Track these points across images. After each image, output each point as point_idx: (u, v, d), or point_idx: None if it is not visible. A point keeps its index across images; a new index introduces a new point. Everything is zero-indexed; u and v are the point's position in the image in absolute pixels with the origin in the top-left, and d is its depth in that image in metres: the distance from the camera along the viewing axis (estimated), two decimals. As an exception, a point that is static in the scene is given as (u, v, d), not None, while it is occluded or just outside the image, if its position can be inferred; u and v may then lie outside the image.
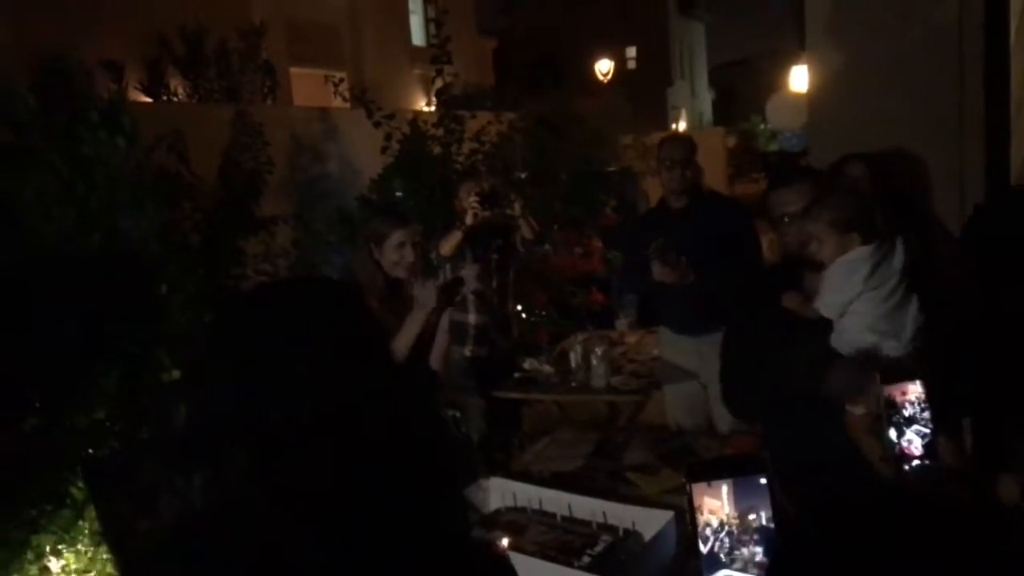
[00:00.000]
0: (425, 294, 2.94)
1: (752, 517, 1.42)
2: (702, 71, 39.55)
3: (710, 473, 1.46)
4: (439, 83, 6.39)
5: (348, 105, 6.64)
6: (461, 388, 4.18)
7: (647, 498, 2.72)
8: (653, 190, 8.41)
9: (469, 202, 4.07)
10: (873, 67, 4.36)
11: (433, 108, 7.01)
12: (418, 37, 14.00)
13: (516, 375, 4.42)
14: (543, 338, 6.18)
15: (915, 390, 1.79)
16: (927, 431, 1.72)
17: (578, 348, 4.31)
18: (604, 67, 27.27)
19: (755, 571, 1.40)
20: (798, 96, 6.77)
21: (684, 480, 1.47)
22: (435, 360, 3.08)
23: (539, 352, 4.84)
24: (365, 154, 6.35)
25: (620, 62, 31.69)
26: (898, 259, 2.21)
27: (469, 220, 4.04)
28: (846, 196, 2.33)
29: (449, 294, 3.09)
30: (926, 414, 1.74)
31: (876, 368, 1.97)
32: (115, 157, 3.17)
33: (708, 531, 1.43)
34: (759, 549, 1.40)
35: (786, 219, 2.47)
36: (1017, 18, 4.37)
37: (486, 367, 4.31)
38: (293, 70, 10.74)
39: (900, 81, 4.29)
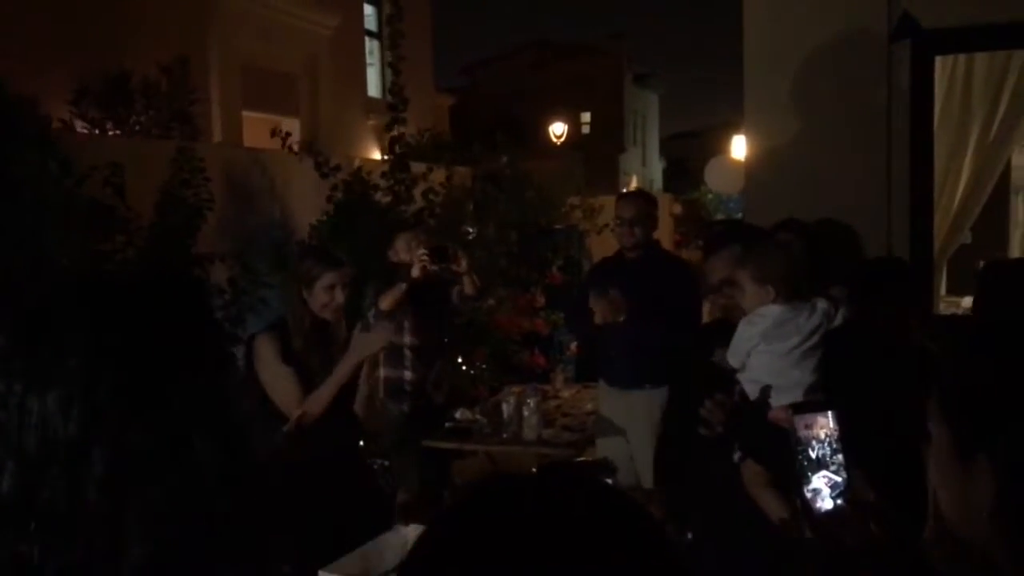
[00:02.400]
0: (363, 341, 2.91)
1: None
2: (654, 140, 40.53)
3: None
4: (392, 132, 6.42)
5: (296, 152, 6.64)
6: (397, 443, 4.11)
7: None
8: (597, 249, 8.53)
9: (417, 255, 4.01)
10: (807, 140, 4.52)
11: (386, 157, 7.06)
12: (374, 88, 14.11)
13: (448, 425, 4.38)
14: (481, 393, 6.15)
15: (824, 424, 1.77)
16: (839, 479, 1.70)
17: (511, 400, 4.30)
18: (558, 130, 27.75)
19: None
20: (737, 162, 6.97)
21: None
22: (359, 406, 3.05)
23: (474, 404, 4.81)
24: (308, 199, 6.34)
25: (575, 126, 32.33)
26: (810, 320, 2.28)
27: (416, 273, 3.97)
28: (773, 251, 2.40)
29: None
30: (839, 456, 1.73)
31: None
32: (46, 181, 3.11)
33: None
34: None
35: (718, 285, 2.55)
36: (941, 101, 4.59)
37: (421, 423, 4.25)
38: (246, 114, 10.70)
39: (832, 154, 4.45)
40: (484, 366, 6.40)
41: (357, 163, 6.65)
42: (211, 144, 6.64)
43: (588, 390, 4.80)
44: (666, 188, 35.71)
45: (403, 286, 3.98)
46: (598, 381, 4.32)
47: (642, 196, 4.25)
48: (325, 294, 2.94)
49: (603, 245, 7.52)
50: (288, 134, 6.55)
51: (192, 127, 7.12)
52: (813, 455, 1.76)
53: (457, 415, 4.43)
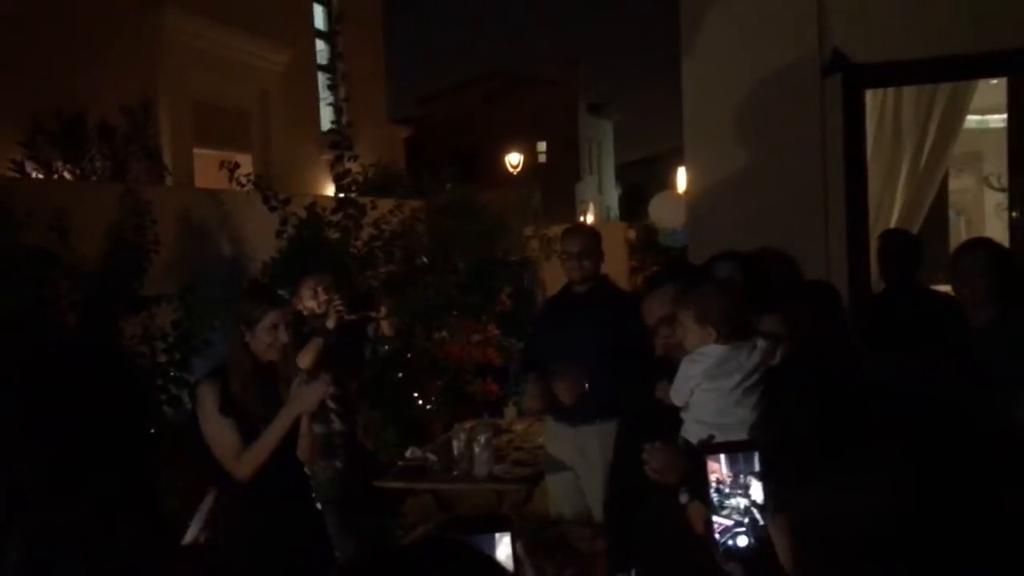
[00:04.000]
0: (301, 394, 2.89)
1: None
2: (610, 167, 40.99)
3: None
4: (339, 168, 6.46)
5: (248, 188, 6.62)
6: (333, 502, 4.07)
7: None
8: (551, 278, 8.60)
9: (333, 306, 3.92)
10: (745, 173, 4.64)
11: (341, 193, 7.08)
12: (328, 123, 14.11)
13: (399, 463, 4.37)
14: (436, 427, 6.15)
15: (716, 468, 1.82)
16: (728, 523, 1.75)
17: (462, 436, 4.31)
18: (515, 159, 27.98)
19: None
20: (680, 196, 7.10)
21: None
22: (304, 452, 3.02)
23: (425, 441, 4.81)
24: (260, 238, 6.32)
25: (531, 156, 32.60)
26: (751, 359, 2.34)
27: (331, 324, 3.89)
28: (714, 292, 2.46)
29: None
30: (732, 500, 1.77)
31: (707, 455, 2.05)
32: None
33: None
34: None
35: (655, 324, 2.61)
36: (873, 132, 4.75)
37: (358, 475, 4.21)
38: (198, 151, 10.64)
39: (770, 186, 4.57)
40: (433, 400, 6.39)
41: (309, 199, 6.64)
42: (157, 186, 6.57)
43: (541, 423, 4.82)
44: (622, 215, 36.14)
45: (320, 341, 3.89)
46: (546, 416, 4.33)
47: (587, 230, 4.31)
48: (268, 335, 2.91)
49: (558, 273, 7.59)
50: (236, 165, 6.52)
51: (155, 166, 7.08)
52: (713, 498, 1.81)
53: (407, 454, 4.43)
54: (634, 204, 36.37)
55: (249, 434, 2.85)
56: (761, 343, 2.36)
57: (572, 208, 32.52)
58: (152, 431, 3.53)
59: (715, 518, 1.80)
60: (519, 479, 4.22)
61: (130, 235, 4.83)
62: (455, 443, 4.31)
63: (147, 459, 2.58)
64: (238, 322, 2.93)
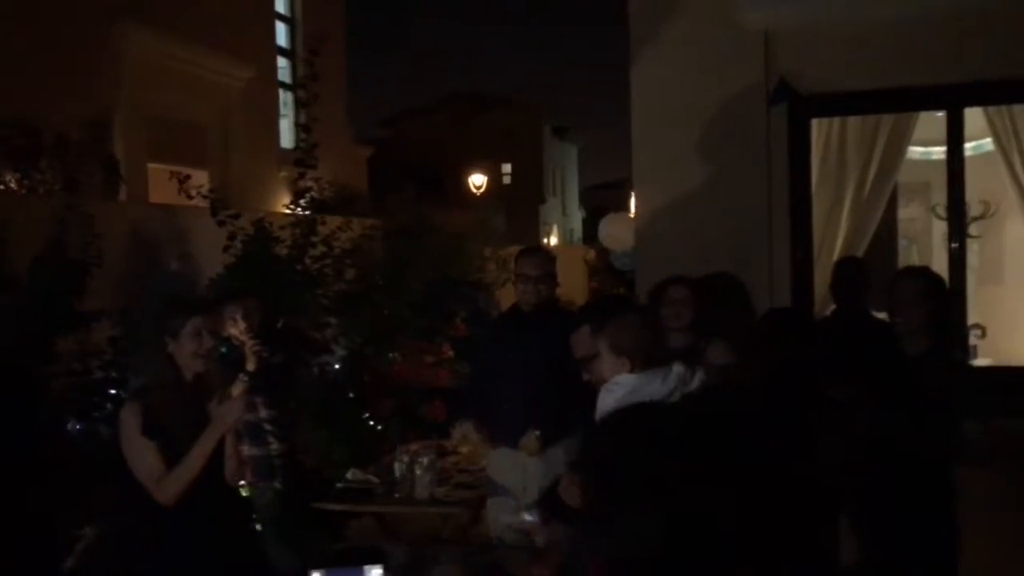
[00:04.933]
0: (220, 413, 2.83)
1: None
2: (574, 191, 41.29)
3: None
4: (289, 186, 6.41)
5: (202, 203, 6.54)
6: (273, 523, 3.99)
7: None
8: (508, 301, 8.59)
9: (251, 348, 3.77)
10: (692, 198, 4.69)
11: (287, 210, 7.01)
12: (287, 140, 14.05)
13: (339, 486, 4.31)
14: (386, 448, 6.06)
15: None
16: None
17: (404, 458, 4.25)
18: (478, 180, 28.06)
19: None
20: (631, 219, 7.14)
21: None
22: (231, 471, 2.95)
23: (368, 463, 4.74)
24: (210, 254, 6.23)
25: (496, 177, 32.72)
26: (664, 385, 2.35)
27: (252, 367, 3.74)
28: (627, 323, 2.48)
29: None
30: None
31: None
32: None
33: None
34: None
35: (580, 360, 2.64)
36: (819, 161, 4.83)
37: (297, 496, 4.13)
38: (153, 166, 10.51)
39: (716, 212, 4.63)
40: (384, 421, 6.32)
41: (260, 215, 6.58)
42: (104, 200, 6.47)
43: (479, 448, 4.77)
44: (585, 238, 36.33)
45: (245, 381, 3.73)
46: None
47: (544, 253, 4.24)
48: (192, 341, 2.83)
49: (513, 295, 7.58)
50: (187, 176, 6.43)
51: (110, 180, 6.96)
52: None
53: (349, 475, 4.36)
54: (597, 227, 36.56)
55: (173, 457, 2.78)
56: (677, 369, 2.37)
57: (536, 230, 32.67)
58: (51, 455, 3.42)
59: None
60: (460, 502, 4.17)
61: (73, 249, 4.74)
62: (397, 465, 4.25)
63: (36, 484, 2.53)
64: (160, 335, 2.86)
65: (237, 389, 3.80)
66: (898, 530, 3.08)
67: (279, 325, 4.32)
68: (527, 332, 3.99)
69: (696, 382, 2.37)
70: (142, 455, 2.78)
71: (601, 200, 39.74)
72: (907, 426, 3.00)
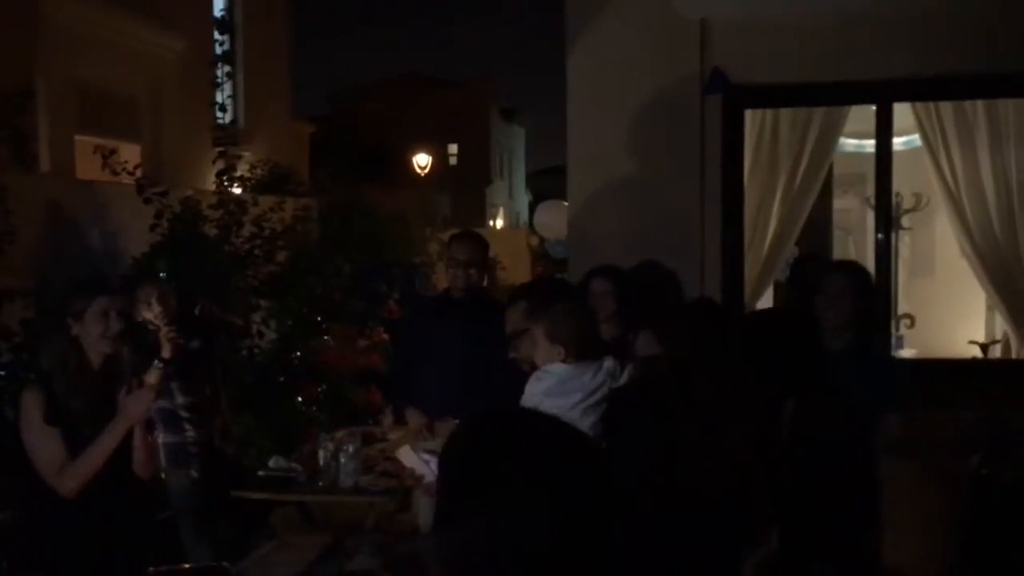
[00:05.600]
0: (129, 404, 2.71)
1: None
2: (520, 174, 41.23)
3: None
4: (219, 165, 6.23)
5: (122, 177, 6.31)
6: (186, 514, 3.88)
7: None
8: (444, 282, 8.51)
9: (165, 333, 3.66)
10: (624, 186, 4.67)
11: (239, 190, 6.84)
12: (227, 116, 13.68)
13: (260, 474, 4.20)
14: (315, 433, 5.96)
15: None
16: None
17: (329, 446, 4.16)
18: (423, 161, 27.80)
19: None
20: (565, 208, 7.13)
21: None
22: (140, 464, 2.83)
23: (290, 451, 4.64)
24: (136, 233, 6.02)
25: (441, 158, 32.48)
26: (595, 379, 2.32)
27: (167, 353, 3.65)
28: (566, 312, 2.44)
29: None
30: None
31: None
32: None
33: None
34: None
35: (512, 335, 2.58)
36: (751, 156, 4.85)
37: (215, 485, 4.03)
38: (81, 139, 10.13)
39: (649, 202, 4.61)
40: (315, 406, 6.21)
41: (188, 192, 6.38)
42: (18, 174, 6.18)
43: (408, 433, 4.71)
44: (531, 222, 36.38)
45: (159, 367, 3.60)
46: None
47: (476, 238, 4.19)
48: (98, 322, 2.70)
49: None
50: (112, 151, 6.20)
51: (25, 153, 6.66)
52: None
53: (271, 463, 4.25)
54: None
55: (78, 445, 2.66)
56: (608, 363, 2.35)
57: (482, 212, 32.55)
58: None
59: None
60: (385, 491, 4.10)
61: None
62: (321, 453, 4.15)
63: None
64: (63, 317, 2.72)
65: (151, 378, 3.68)
66: (819, 522, 3.11)
67: (196, 311, 4.18)
68: (455, 317, 3.94)
69: (625, 377, 2.35)
70: (43, 443, 2.65)
71: (548, 185, 39.77)
72: (829, 419, 3.02)
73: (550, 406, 2.27)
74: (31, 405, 2.68)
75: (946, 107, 4.64)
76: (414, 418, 3.99)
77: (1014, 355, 4.89)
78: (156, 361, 3.58)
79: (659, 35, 4.59)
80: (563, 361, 2.33)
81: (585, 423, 2.27)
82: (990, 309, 6.53)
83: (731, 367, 3.19)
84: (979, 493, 3.80)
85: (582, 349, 2.35)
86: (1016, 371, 4.67)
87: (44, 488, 2.71)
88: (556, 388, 2.29)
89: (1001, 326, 6.09)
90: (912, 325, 6.30)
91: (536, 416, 1.03)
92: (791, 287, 4.34)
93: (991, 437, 3.94)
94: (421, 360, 4.05)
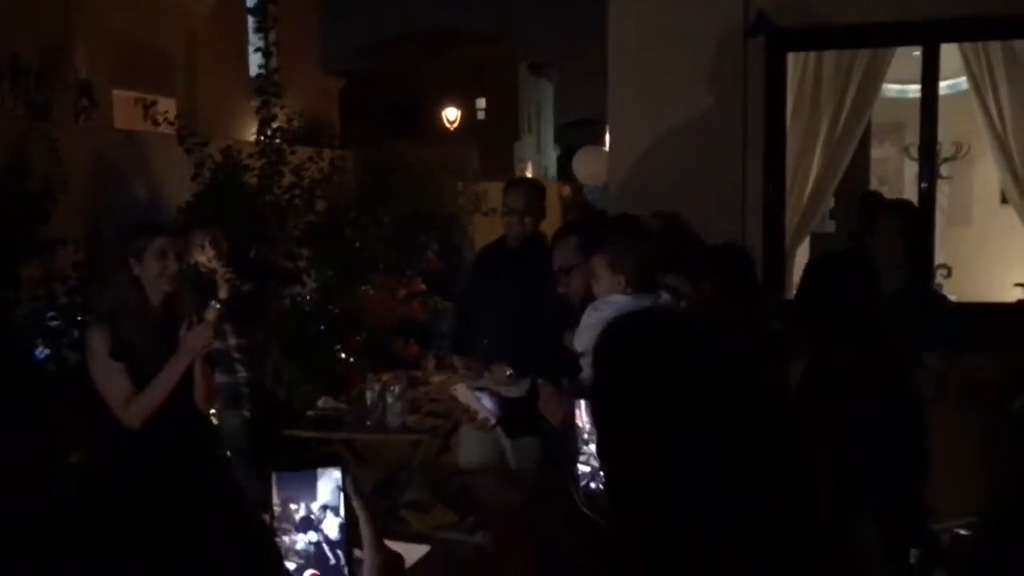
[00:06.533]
0: (188, 339, 2.80)
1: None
2: (549, 128, 40.88)
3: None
4: (261, 115, 6.28)
5: (168, 130, 6.39)
6: (240, 452, 4.00)
7: (417, 534, 2.72)
8: (481, 234, 8.54)
9: (223, 276, 3.71)
10: (666, 132, 4.65)
11: (257, 138, 6.88)
12: (259, 68, 13.71)
13: (309, 413, 4.33)
14: (356, 381, 6.08)
15: (577, 415, 1.86)
16: (586, 469, 1.79)
17: (376, 387, 4.27)
18: (452, 115, 27.66)
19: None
20: (605, 153, 7.10)
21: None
22: (201, 398, 2.93)
23: (338, 393, 4.76)
24: (178, 182, 6.12)
25: (470, 112, 32.28)
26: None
27: (224, 294, 3.69)
28: (628, 242, 2.47)
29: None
30: (588, 447, 1.80)
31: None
32: None
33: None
34: None
35: (558, 271, 2.61)
36: (794, 97, 4.81)
37: (266, 425, 4.13)
38: (116, 92, 10.22)
39: (690, 146, 4.61)
40: (354, 354, 6.32)
41: (228, 143, 6.44)
42: (66, 125, 6.28)
43: (459, 375, 4.80)
44: (560, 175, 36.17)
45: (216, 308, 3.72)
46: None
47: (532, 185, 4.14)
48: (157, 262, 2.80)
49: (487, 230, 7.56)
50: (153, 102, 6.29)
51: (76, 105, 6.76)
52: (576, 442, 1.83)
53: (320, 403, 4.38)
54: (571, 165, 36.37)
55: (142, 380, 2.77)
56: (665, 296, 2.38)
57: (511, 167, 32.39)
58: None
59: (578, 465, 1.82)
60: (432, 429, 4.21)
61: (36, 175, 4.62)
62: (368, 393, 4.27)
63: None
64: (125, 256, 2.82)
65: (210, 315, 3.77)
66: (870, 461, 3.15)
67: (251, 254, 4.27)
68: (510, 266, 3.96)
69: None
70: (109, 377, 2.76)
71: (576, 138, 39.43)
72: (878, 359, 3.06)
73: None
74: (97, 341, 2.78)
75: (995, 47, 4.56)
76: (460, 364, 4.04)
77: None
78: (213, 301, 3.67)
79: (702, -23, 4.55)
80: (623, 292, 2.36)
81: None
82: (1027, 259, 6.48)
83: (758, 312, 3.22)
84: (1022, 433, 3.82)
85: (642, 281, 2.38)
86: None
87: (112, 423, 2.82)
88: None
89: (1039, 276, 6.05)
90: (949, 275, 6.26)
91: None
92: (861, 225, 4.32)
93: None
94: (478, 309, 4.08)
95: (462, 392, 2.50)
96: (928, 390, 3.17)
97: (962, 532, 3.31)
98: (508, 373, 3.75)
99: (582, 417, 1.86)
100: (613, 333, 0.98)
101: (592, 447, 1.79)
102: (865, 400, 3.06)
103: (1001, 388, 4.00)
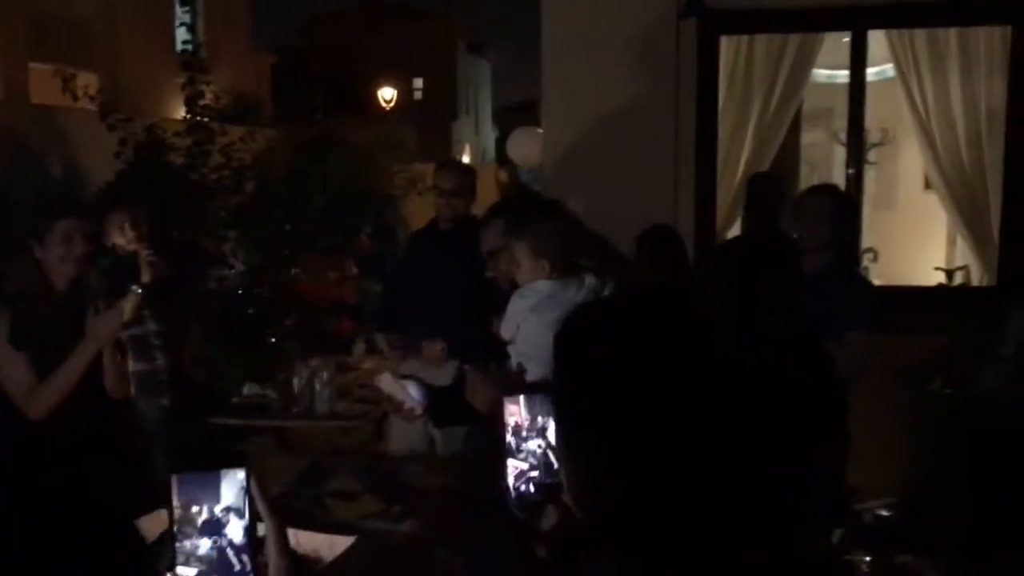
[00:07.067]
0: (96, 325, 2.66)
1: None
2: (487, 109, 40.72)
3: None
4: (186, 92, 6.07)
5: (89, 106, 6.12)
6: (157, 440, 3.87)
7: (343, 523, 2.66)
8: (413, 216, 8.45)
9: (145, 258, 3.53)
10: (599, 115, 4.63)
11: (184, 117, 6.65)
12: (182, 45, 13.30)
13: (235, 400, 4.21)
14: (286, 366, 5.95)
15: (515, 411, 1.83)
16: (524, 466, 1.76)
17: (304, 373, 4.17)
18: (388, 95, 27.30)
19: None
20: (540, 135, 7.07)
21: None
22: (112, 385, 2.80)
23: (264, 379, 4.64)
24: (99, 161, 5.88)
25: (406, 92, 31.91)
26: (578, 294, 2.32)
27: (147, 277, 3.51)
28: (547, 226, 2.42)
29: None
30: (528, 443, 1.78)
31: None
32: None
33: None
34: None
35: (488, 255, 2.56)
36: (725, 86, 4.83)
37: (184, 412, 4.00)
38: (33, 66, 9.80)
39: (623, 129, 4.59)
40: (284, 337, 6.18)
41: (153, 121, 6.21)
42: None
43: (389, 361, 4.74)
44: (498, 158, 36.09)
45: (137, 292, 3.58)
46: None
47: (461, 167, 4.18)
48: (60, 246, 2.66)
49: (423, 213, 7.45)
50: (73, 75, 6.02)
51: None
52: (510, 441, 1.79)
53: (245, 390, 4.26)
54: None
55: (47, 368, 2.63)
56: (589, 279, 2.34)
57: (448, 148, 32.17)
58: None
59: (511, 461, 1.78)
60: (362, 415, 4.14)
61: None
62: (295, 380, 4.17)
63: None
64: (29, 238, 2.67)
65: (130, 300, 3.61)
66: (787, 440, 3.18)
67: (173, 235, 4.11)
68: (442, 249, 3.92)
69: (607, 292, 2.34)
70: (10, 366, 2.61)
71: (515, 120, 39.30)
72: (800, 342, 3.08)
73: (536, 321, 2.28)
74: None
75: (920, 35, 4.64)
76: (384, 344, 4.00)
77: (975, 283, 4.99)
78: (134, 286, 3.51)
79: (636, -41, 4.52)
80: (547, 277, 2.32)
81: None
82: (951, 243, 6.67)
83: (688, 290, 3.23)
84: (941, 414, 3.92)
85: (565, 264, 2.34)
86: (978, 298, 4.77)
87: (14, 412, 2.68)
88: (541, 304, 2.28)
89: (961, 260, 6.23)
90: (876, 259, 6.41)
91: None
92: (751, 206, 4.38)
93: (952, 361, 4.05)
94: (408, 292, 4.03)
95: (386, 382, 2.44)
96: (848, 370, 3.22)
97: (884, 513, 3.39)
98: (440, 348, 3.71)
99: (521, 413, 1.82)
100: (577, 325, 0.92)
101: (532, 444, 1.75)
102: (784, 382, 3.09)
103: (920, 370, 4.10)
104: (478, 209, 4.04)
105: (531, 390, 1.93)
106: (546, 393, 1.79)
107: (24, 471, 2.68)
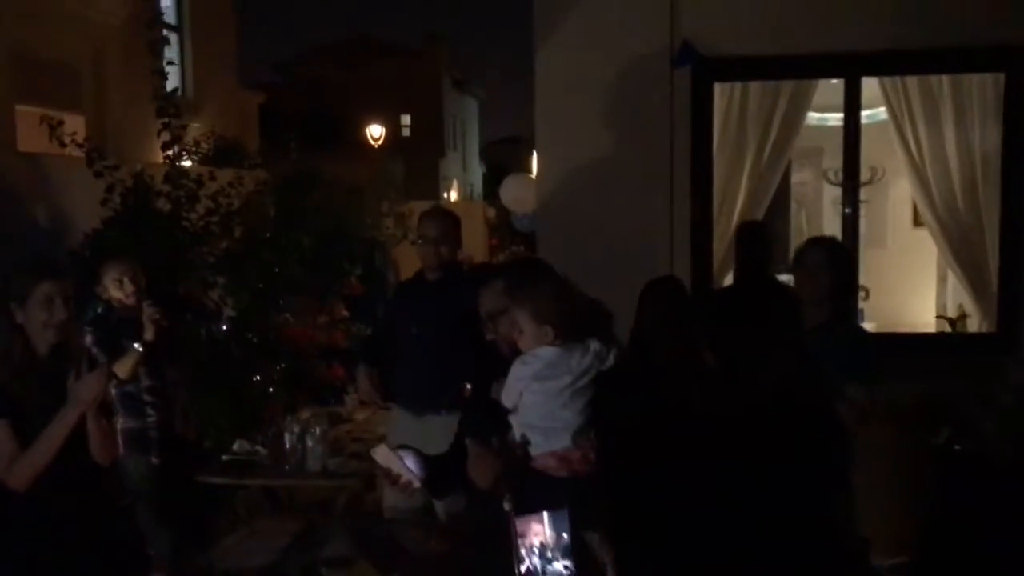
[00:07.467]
0: (79, 389, 2.56)
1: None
2: (474, 145, 40.95)
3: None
4: (164, 136, 5.94)
5: (76, 152, 6.03)
6: (145, 499, 3.76)
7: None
8: (404, 258, 8.36)
9: (149, 316, 3.53)
10: (594, 162, 4.60)
11: (188, 163, 6.58)
12: (173, 85, 13.25)
13: (224, 458, 4.09)
14: (275, 412, 5.83)
15: (539, 531, 1.77)
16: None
17: (295, 428, 4.06)
18: (376, 131, 27.37)
19: None
20: (532, 180, 7.04)
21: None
22: (97, 450, 2.68)
23: (259, 428, 4.53)
24: (85, 208, 5.78)
25: (394, 129, 32.02)
26: (582, 361, 2.25)
27: (150, 336, 3.52)
28: (549, 290, 2.35)
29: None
30: (554, 565, 1.72)
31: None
32: None
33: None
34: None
35: (485, 318, 2.49)
36: (720, 126, 4.82)
37: (174, 470, 3.89)
38: (20, 108, 9.70)
39: (618, 176, 4.56)
40: (274, 384, 6.04)
41: (139, 167, 6.12)
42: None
43: (383, 412, 4.64)
44: (486, 194, 36.19)
45: (138, 352, 3.48)
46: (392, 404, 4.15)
47: (446, 214, 4.09)
48: (42, 309, 2.54)
49: (411, 254, 7.36)
50: (60, 122, 5.93)
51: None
52: (526, 566, 1.71)
53: (235, 447, 4.15)
54: (498, 183, 36.43)
55: (29, 436, 2.51)
56: (595, 345, 2.27)
57: (435, 184, 32.25)
58: None
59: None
60: (354, 473, 4.03)
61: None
62: (287, 436, 4.06)
63: None
64: (8, 300, 2.55)
65: (130, 359, 3.51)
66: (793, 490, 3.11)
67: (175, 290, 4.02)
68: (428, 300, 3.85)
69: (611, 360, 2.28)
70: None
71: (502, 155, 39.58)
72: (806, 387, 3.04)
73: (538, 389, 2.20)
74: None
75: (912, 81, 4.65)
76: (364, 381, 3.88)
77: (973, 328, 4.96)
78: (136, 344, 3.41)
79: (628, 7, 4.52)
80: (551, 343, 2.25)
81: (573, 408, 2.21)
82: (941, 280, 6.67)
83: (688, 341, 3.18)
84: (947, 467, 3.86)
85: (568, 329, 2.27)
86: (977, 344, 4.74)
87: None
88: (544, 372, 2.21)
89: (953, 297, 6.21)
90: (867, 297, 6.39)
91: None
92: (741, 253, 4.34)
93: (958, 411, 3.99)
94: (394, 343, 3.95)
95: (382, 454, 2.34)
96: (851, 421, 3.17)
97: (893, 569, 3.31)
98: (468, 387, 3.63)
99: (545, 533, 1.75)
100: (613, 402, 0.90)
101: (556, 566, 1.67)
102: (790, 429, 3.03)
103: (923, 421, 4.04)
104: (468, 241, 3.99)
105: (534, 472, 1.85)
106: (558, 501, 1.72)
107: (5, 543, 2.56)
